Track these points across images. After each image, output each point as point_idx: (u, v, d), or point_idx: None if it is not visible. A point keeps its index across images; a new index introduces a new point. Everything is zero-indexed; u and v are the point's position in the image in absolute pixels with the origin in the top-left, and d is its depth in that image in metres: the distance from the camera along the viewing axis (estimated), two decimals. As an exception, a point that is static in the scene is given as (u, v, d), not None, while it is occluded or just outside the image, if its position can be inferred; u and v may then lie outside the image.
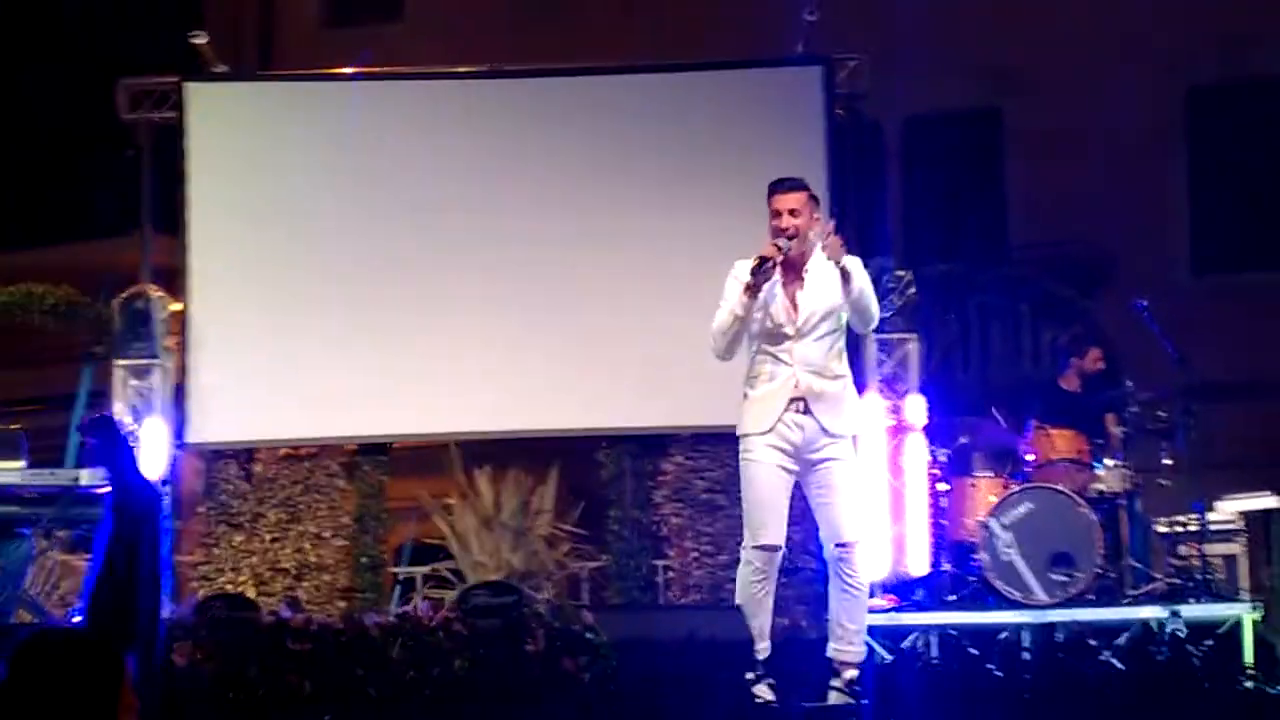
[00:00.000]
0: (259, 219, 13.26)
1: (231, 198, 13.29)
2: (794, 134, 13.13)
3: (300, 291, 13.14)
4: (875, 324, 8.63)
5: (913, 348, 12.72)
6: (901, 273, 12.85)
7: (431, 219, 13.20)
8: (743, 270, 8.28)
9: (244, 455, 13.42)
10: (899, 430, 12.35)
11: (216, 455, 13.39)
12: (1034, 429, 11.62)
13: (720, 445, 13.01)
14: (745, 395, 8.41)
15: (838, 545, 8.33)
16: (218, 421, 13.09)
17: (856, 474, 8.49)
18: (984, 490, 11.48)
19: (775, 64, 13.58)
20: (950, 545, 11.64)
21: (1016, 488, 11.27)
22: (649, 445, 13.29)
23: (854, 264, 8.27)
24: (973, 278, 14.78)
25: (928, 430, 12.04)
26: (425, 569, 14.23)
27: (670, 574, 13.31)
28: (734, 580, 12.82)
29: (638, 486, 13.30)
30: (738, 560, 12.82)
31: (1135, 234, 17.94)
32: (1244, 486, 12.31)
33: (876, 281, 12.71)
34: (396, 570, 14.31)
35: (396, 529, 14.26)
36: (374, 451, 13.45)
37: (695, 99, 13.41)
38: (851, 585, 8.39)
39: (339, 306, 13.10)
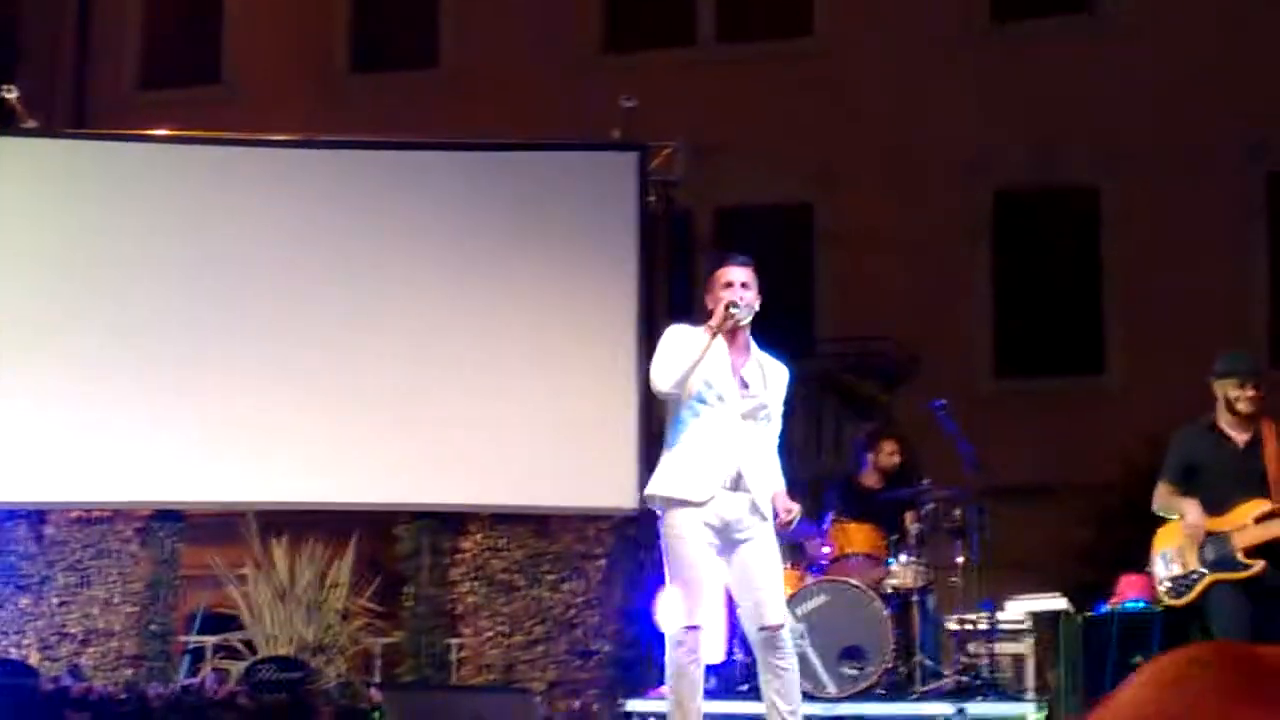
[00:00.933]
0: (63, 276, 13.09)
1: (36, 254, 13.12)
2: (608, 218, 13.19)
3: (100, 352, 12.95)
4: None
5: (715, 437, 12.75)
6: (707, 361, 12.91)
7: (237, 285, 13.09)
8: (680, 332, 8.14)
9: (35, 516, 13.17)
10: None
11: (7, 515, 13.14)
12: (831, 522, 11.69)
13: (520, 525, 13.01)
14: (672, 459, 8.12)
15: (763, 629, 8.09)
16: (9, 480, 12.86)
17: (778, 557, 8.35)
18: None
19: (592, 148, 13.65)
20: (744, 634, 11.65)
21: (811, 580, 11.32)
22: (448, 523, 13.22)
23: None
24: (779, 370, 14.87)
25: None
26: (216, 639, 14.01)
27: (464, 652, 13.22)
28: (526, 661, 12.92)
29: (435, 563, 13.22)
30: (533, 641, 12.99)
31: (940, 333, 18.20)
32: (1034, 587, 12.50)
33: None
34: (186, 639, 14.09)
35: (189, 597, 14.05)
36: (169, 518, 13.26)
37: (512, 179, 13.42)
38: (782, 666, 8.15)
39: (139, 368, 12.92)
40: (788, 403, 8.40)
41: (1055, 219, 19.05)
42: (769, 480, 8.19)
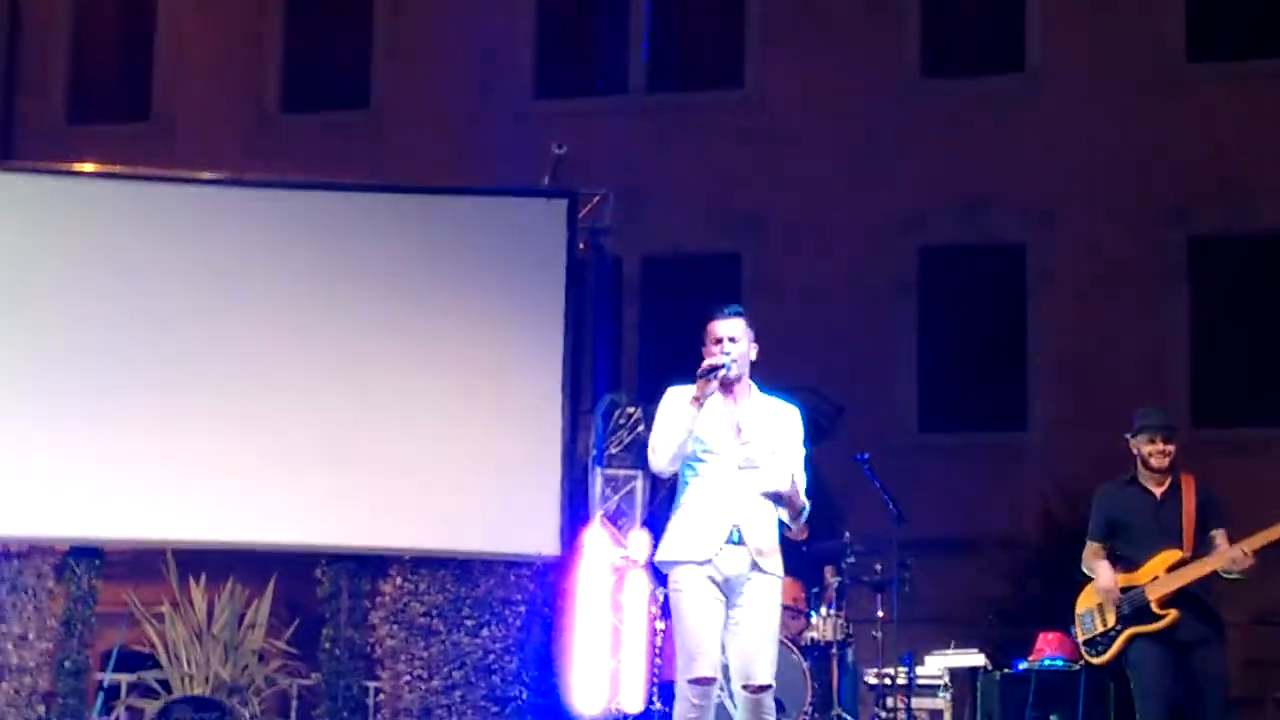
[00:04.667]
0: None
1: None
2: (537, 264, 13.18)
3: (19, 384, 12.82)
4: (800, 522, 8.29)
5: (639, 484, 12.79)
6: (632, 409, 12.95)
7: (161, 322, 12.96)
8: (677, 396, 8.10)
9: (-50, 551, 13.03)
10: (621, 566, 12.39)
11: (-79, 549, 12.99)
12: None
13: (440, 570, 12.94)
14: (676, 521, 8.16)
15: (749, 688, 8.01)
16: (-77, 514, 12.72)
17: (777, 616, 8.22)
18: (701, 631, 11.47)
19: (522, 194, 13.63)
20: (664, 684, 11.65)
21: (731, 630, 11.30)
22: (368, 565, 13.13)
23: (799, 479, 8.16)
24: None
25: (649, 567, 12.06)
26: (131, 677, 13.91)
27: (381, 696, 13.15)
28: (444, 706, 12.86)
29: (354, 606, 13.13)
30: (450, 685, 12.93)
31: (865, 387, 18.25)
32: (952, 642, 12.53)
33: (607, 416, 12.89)
34: (101, 677, 13.96)
35: (105, 634, 13.92)
36: (87, 554, 13.12)
37: (441, 223, 13.41)
38: None
39: (59, 402, 12.80)
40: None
41: (982, 275, 19.15)
42: (769, 530, 8.15)
